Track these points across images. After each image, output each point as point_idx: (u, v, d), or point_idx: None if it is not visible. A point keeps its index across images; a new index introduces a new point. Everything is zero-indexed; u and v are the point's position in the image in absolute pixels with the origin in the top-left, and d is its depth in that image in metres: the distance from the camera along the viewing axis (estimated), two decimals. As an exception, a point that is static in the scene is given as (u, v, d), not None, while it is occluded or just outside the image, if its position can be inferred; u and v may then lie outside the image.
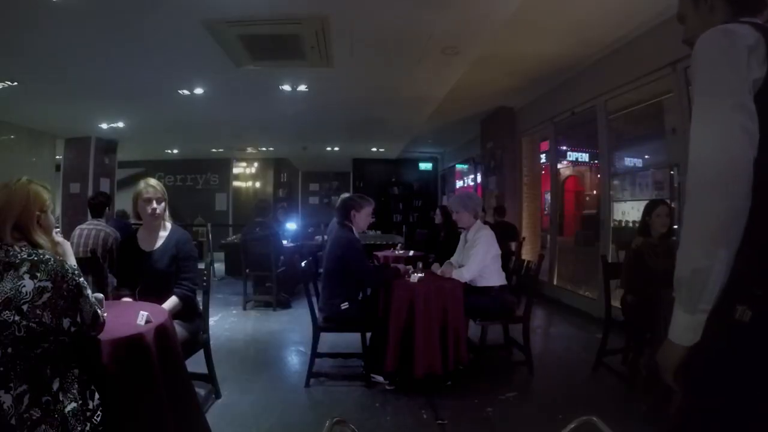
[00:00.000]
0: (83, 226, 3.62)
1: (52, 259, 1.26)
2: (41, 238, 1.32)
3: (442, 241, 4.98)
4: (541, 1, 3.36)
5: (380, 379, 2.83)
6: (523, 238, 6.00)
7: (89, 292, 1.34)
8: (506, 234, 5.18)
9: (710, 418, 0.79)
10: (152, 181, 2.37)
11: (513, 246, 5.36)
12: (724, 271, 0.78)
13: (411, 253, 5.37)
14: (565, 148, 6.43)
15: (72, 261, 1.56)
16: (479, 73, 4.92)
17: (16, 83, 4.70)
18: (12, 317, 1.14)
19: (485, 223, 3.41)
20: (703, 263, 0.79)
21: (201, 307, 2.59)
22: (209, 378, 2.63)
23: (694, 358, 0.84)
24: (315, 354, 2.88)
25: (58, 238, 1.62)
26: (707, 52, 0.87)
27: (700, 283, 0.80)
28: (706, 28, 0.94)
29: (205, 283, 2.57)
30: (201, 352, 2.55)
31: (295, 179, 12.74)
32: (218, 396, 2.63)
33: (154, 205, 2.31)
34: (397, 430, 2.33)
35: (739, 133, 0.78)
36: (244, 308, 5.06)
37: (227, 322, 4.53)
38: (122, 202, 6.28)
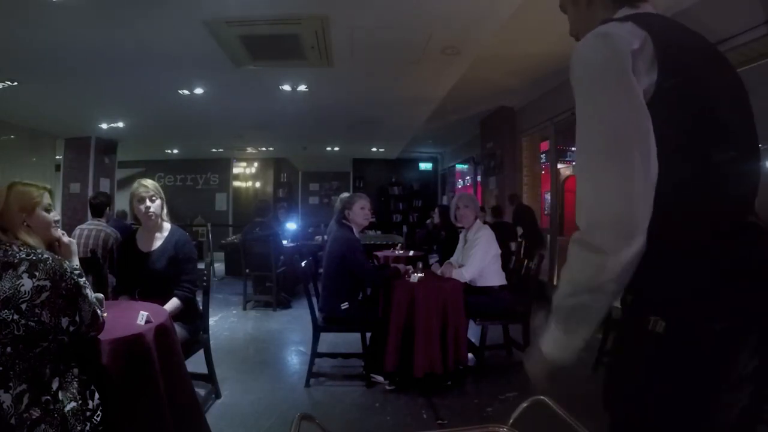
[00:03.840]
0: (84, 226, 3.61)
1: (51, 259, 1.26)
2: (31, 238, 1.32)
3: (442, 240, 4.97)
4: (541, 1, 3.36)
5: (380, 379, 2.83)
6: (523, 239, 5.99)
7: (89, 291, 1.34)
8: (505, 234, 5.17)
9: None
10: (145, 181, 2.37)
11: (513, 246, 5.35)
12: (607, 305, 0.74)
13: (411, 253, 5.37)
14: (565, 148, 6.41)
15: (75, 261, 1.57)
16: (479, 73, 4.92)
17: (16, 83, 4.70)
18: (11, 316, 1.14)
19: (484, 223, 3.41)
20: (586, 300, 0.74)
21: (201, 308, 2.59)
22: (209, 378, 2.63)
23: (614, 374, 0.81)
24: (315, 354, 2.88)
25: (65, 238, 1.62)
26: (586, 68, 0.76)
27: (581, 315, 0.76)
28: (586, 24, 0.89)
29: (205, 284, 2.57)
30: (201, 352, 2.55)
31: (295, 179, 12.73)
32: (218, 396, 2.63)
33: (148, 203, 2.31)
34: (397, 430, 2.33)
35: (628, 195, 0.68)
36: (244, 308, 5.06)
37: (227, 322, 4.53)
38: (122, 202, 6.28)
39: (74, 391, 1.26)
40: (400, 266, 3.15)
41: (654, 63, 0.72)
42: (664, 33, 0.76)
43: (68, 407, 1.22)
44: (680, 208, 0.73)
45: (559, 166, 6.35)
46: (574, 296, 0.76)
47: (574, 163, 6.99)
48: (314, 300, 2.97)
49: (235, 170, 11.68)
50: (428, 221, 7.21)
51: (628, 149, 0.69)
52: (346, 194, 3.89)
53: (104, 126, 6.92)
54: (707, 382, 0.70)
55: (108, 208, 3.81)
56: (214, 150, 10.23)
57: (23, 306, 1.16)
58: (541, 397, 0.93)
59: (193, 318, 2.46)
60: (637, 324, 0.75)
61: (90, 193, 7.23)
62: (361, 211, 3.06)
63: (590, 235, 0.71)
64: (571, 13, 0.97)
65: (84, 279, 1.33)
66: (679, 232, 0.72)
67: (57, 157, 7.76)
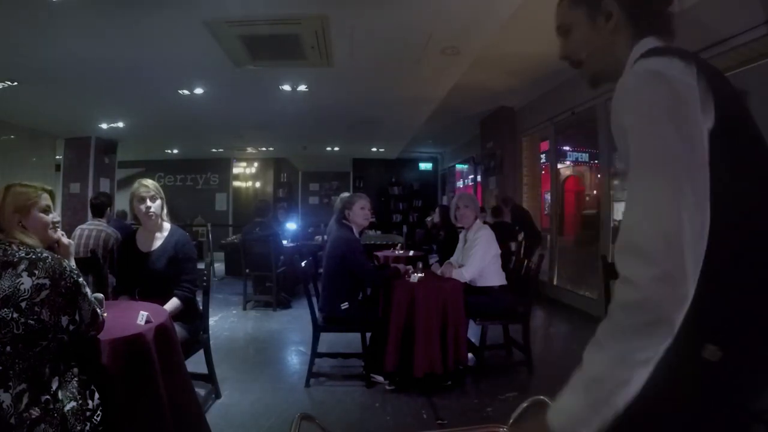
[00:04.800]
0: (84, 226, 3.61)
1: (50, 257, 1.26)
2: (28, 238, 1.33)
3: (442, 241, 4.98)
4: (541, 1, 3.36)
5: (380, 379, 2.83)
6: (523, 239, 5.99)
7: (88, 290, 1.34)
8: (505, 234, 5.17)
9: None
10: (146, 181, 2.38)
11: (512, 246, 5.35)
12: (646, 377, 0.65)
13: (411, 253, 5.37)
14: (565, 148, 6.41)
15: (71, 262, 1.57)
16: (479, 73, 4.92)
17: (16, 83, 4.70)
18: (10, 314, 1.14)
19: (484, 223, 3.41)
20: (623, 375, 0.64)
21: (201, 308, 2.59)
22: (209, 378, 2.63)
23: (652, 401, 0.75)
24: (315, 354, 2.88)
25: (65, 239, 1.62)
26: (648, 113, 0.68)
27: (615, 391, 0.65)
28: (604, 50, 0.85)
29: (205, 284, 2.57)
30: (201, 352, 2.55)
31: (295, 179, 12.73)
32: (218, 396, 2.63)
33: (149, 203, 2.31)
34: (397, 430, 2.32)
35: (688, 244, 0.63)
36: (244, 308, 5.05)
37: (227, 322, 4.53)
38: (122, 202, 6.28)
39: (74, 390, 1.26)
40: (400, 266, 3.14)
41: (712, 100, 0.70)
42: (709, 68, 0.74)
43: (68, 407, 1.22)
44: (741, 237, 0.71)
45: (559, 166, 6.35)
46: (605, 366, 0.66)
47: (574, 163, 7.01)
48: (314, 300, 2.97)
49: (235, 170, 11.68)
50: (428, 219, 7.21)
51: (702, 192, 0.65)
52: (346, 194, 3.88)
53: (104, 126, 6.91)
54: (763, 412, 0.70)
55: (109, 208, 3.81)
56: (214, 150, 10.23)
57: (23, 304, 1.16)
58: (541, 397, 0.92)
59: (193, 318, 2.46)
60: (686, 351, 0.70)
61: (90, 193, 7.24)
62: (361, 212, 3.06)
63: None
64: (581, 33, 0.89)
65: (82, 278, 1.33)
66: (739, 260, 0.71)
67: (57, 157, 7.76)
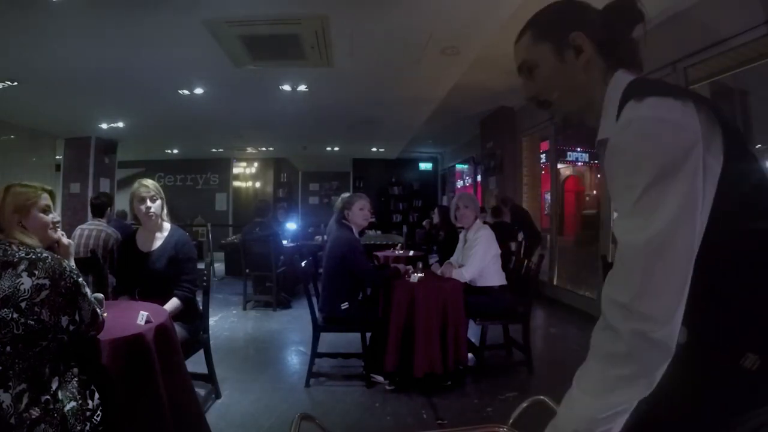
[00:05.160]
0: (84, 226, 3.61)
1: (50, 257, 1.26)
2: (28, 238, 1.33)
3: (442, 241, 4.97)
4: (541, 1, 3.37)
5: (380, 379, 2.83)
6: (522, 239, 6.00)
7: (88, 291, 1.34)
8: (505, 234, 5.18)
9: None
10: (146, 181, 2.37)
11: (512, 246, 5.35)
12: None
13: (411, 253, 5.36)
14: (565, 148, 6.43)
15: (71, 262, 1.57)
16: (479, 73, 4.92)
17: (16, 83, 4.70)
18: (10, 315, 1.14)
19: (484, 223, 3.41)
20: (607, 425, 0.66)
21: (201, 308, 2.59)
22: (209, 378, 2.63)
23: (681, 410, 0.75)
24: (315, 354, 2.88)
25: (65, 240, 1.62)
26: (659, 165, 0.64)
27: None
28: (577, 88, 0.80)
29: (205, 284, 2.57)
30: (201, 352, 2.55)
31: (295, 179, 12.74)
32: (218, 396, 2.63)
33: (149, 203, 2.31)
34: (397, 430, 2.32)
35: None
36: (244, 308, 5.05)
37: (227, 322, 4.53)
38: (122, 202, 6.28)
39: (74, 390, 1.26)
40: (400, 266, 3.14)
41: (718, 133, 0.68)
42: (700, 98, 0.71)
43: (68, 407, 1.22)
44: None
45: (559, 166, 6.35)
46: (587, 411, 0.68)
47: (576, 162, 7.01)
48: (314, 300, 2.97)
49: (235, 170, 11.68)
50: (425, 222, 7.20)
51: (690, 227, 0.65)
52: (346, 194, 3.88)
53: (104, 126, 6.92)
54: None
55: (109, 208, 3.81)
56: (214, 150, 10.23)
57: (23, 304, 1.16)
58: (541, 397, 0.92)
59: (193, 318, 2.46)
60: (727, 361, 0.71)
61: (90, 193, 7.24)
62: (360, 212, 3.06)
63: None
64: (548, 70, 0.83)
65: (81, 278, 1.33)
66: None
67: (57, 157, 7.76)
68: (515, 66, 0.89)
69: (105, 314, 1.45)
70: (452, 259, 3.31)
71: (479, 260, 2.99)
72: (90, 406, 1.29)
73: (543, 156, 7.08)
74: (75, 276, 1.29)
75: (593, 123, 0.84)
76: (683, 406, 0.74)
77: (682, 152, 0.65)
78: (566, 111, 0.86)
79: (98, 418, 1.30)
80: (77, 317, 1.29)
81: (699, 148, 0.65)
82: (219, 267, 7.39)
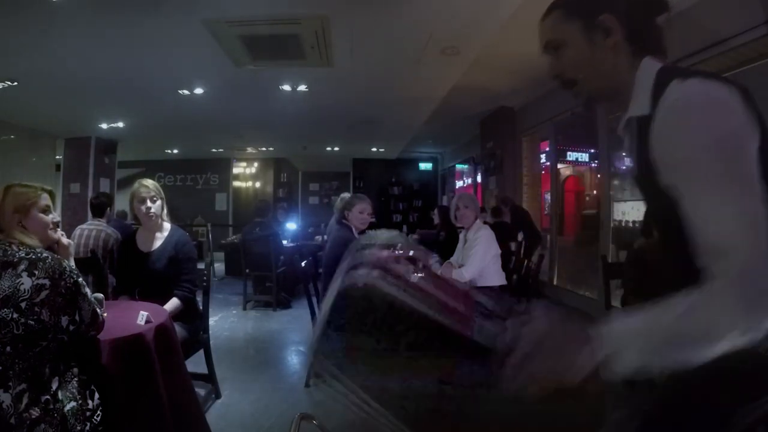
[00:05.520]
0: (84, 226, 3.61)
1: (50, 258, 1.26)
2: (28, 239, 1.33)
3: (442, 241, 4.97)
4: (541, 1, 3.36)
5: (380, 379, 2.83)
6: (522, 239, 6.00)
7: (88, 291, 1.34)
8: (505, 234, 5.18)
9: None
10: (146, 181, 2.37)
11: (512, 246, 5.36)
12: None
13: (411, 253, 5.35)
14: (565, 148, 6.42)
15: (71, 262, 1.57)
16: (479, 73, 4.92)
17: (16, 83, 4.70)
18: (10, 315, 1.14)
19: (485, 223, 3.41)
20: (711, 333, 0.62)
21: (201, 308, 2.59)
22: (209, 378, 2.63)
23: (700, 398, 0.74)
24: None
25: (65, 240, 1.62)
26: (708, 134, 0.66)
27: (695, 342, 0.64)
28: (605, 70, 0.81)
29: (205, 284, 2.57)
30: (201, 352, 2.55)
31: (295, 179, 12.74)
32: (218, 396, 2.63)
33: (149, 204, 2.31)
34: (397, 430, 2.32)
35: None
36: (244, 308, 5.05)
37: (227, 322, 4.53)
38: (122, 202, 6.28)
39: (74, 390, 1.27)
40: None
41: (755, 121, 0.69)
42: (739, 87, 0.73)
43: (68, 407, 1.22)
44: None
45: (559, 166, 6.35)
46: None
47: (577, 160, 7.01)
48: (314, 300, 2.97)
49: (235, 170, 11.68)
50: (416, 234, 7.22)
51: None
52: (347, 194, 3.88)
53: (104, 126, 6.92)
54: None
55: (109, 208, 3.81)
56: (214, 150, 10.23)
57: (23, 305, 1.16)
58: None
59: (193, 318, 2.46)
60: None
61: (90, 193, 7.23)
62: (359, 215, 3.04)
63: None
64: (573, 54, 0.83)
65: (81, 279, 1.33)
66: None
67: (57, 157, 7.76)
68: (540, 44, 0.89)
69: (105, 314, 1.45)
70: (452, 259, 3.31)
71: (479, 260, 2.98)
72: (90, 406, 1.29)
73: (543, 156, 7.07)
74: (75, 276, 1.29)
75: (617, 103, 0.86)
76: (702, 388, 0.74)
77: (735, 126, 0.67)
78: (592, 91, 0.86)
79: (98, 418, 1.30)
80: (77, 317, 1.29)
81: (747, 126, 0.67)
82: (219, 267, 7.39)
